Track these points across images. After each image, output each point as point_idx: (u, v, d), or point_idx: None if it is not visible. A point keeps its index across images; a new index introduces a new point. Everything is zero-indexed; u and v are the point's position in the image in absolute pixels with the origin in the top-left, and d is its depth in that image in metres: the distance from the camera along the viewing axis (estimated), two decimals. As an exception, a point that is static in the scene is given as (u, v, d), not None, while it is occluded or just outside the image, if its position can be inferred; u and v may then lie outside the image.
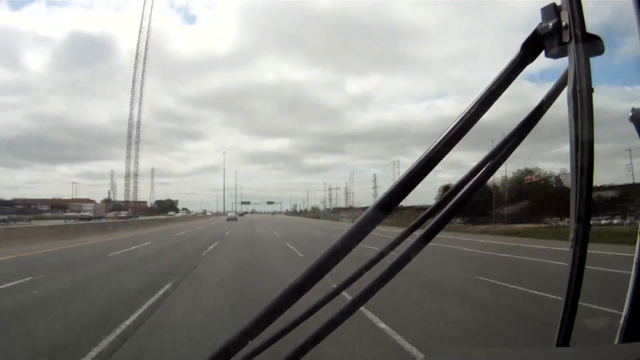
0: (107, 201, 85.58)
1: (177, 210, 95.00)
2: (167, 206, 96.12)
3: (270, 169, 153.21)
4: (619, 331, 0.72)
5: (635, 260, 0.72)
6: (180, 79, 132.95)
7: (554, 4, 0.60)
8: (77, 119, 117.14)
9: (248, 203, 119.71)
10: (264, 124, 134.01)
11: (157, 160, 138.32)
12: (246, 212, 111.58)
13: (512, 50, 0.61)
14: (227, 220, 50.72)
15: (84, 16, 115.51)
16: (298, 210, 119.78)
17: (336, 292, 0.66)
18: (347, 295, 0.70)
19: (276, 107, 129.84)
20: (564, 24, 0.58)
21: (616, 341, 0.73)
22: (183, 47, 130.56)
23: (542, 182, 32.82)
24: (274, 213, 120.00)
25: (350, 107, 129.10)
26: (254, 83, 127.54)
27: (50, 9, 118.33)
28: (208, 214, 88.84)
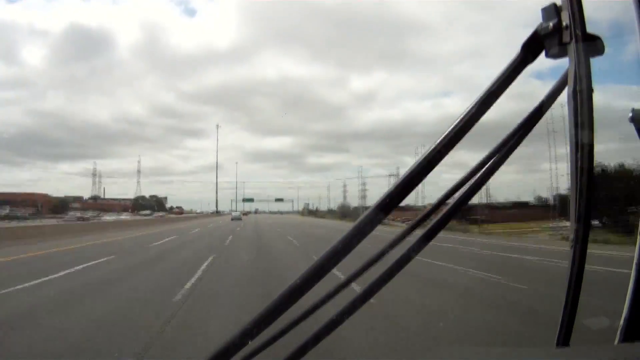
0: (94, 198, 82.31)
1: (163, 210, 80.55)
2: (151, 204, 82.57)
3: (272, 168, 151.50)
4: (619, 331, 0.72)
5: (635, 260, 0.72)
6: (181, 75, 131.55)
7: (554, 4, 0.60)
8: (76, 115, 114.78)
9: (251, 200, 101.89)
10: (265, 121, 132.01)
11: (158, 159, 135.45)
12: (249, 212, 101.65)
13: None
14: (232, 219, 48.65)
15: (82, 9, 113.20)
16: (310, 209, 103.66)
17: (336, 292, 0.66)
18: (347, 295, 0.70)
19: (278, 104, 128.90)
20: (564, 24, 0.58)
21: (616, 341, 0.73)
22: (183, 41, 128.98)
23: None
24: (281, 213, 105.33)
25: (353, 105, 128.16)
26: (255, 80, 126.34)
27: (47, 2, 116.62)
28: (163, 216, 61.39)
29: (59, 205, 63.17)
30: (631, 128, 0.68)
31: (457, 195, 0.67)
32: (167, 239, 17.82)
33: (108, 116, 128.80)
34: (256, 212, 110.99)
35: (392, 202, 0.58)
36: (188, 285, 6.91)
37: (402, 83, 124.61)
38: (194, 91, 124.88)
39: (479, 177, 0.66)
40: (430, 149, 0.59)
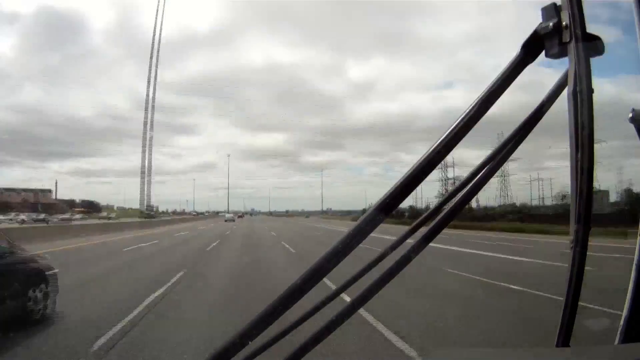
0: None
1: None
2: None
3: (266, 167, 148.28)
4: (619, 332, 0.72)
5: (635, 261, 0.72)
6: (167, 66, 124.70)
7: (554, 4, 0.60)
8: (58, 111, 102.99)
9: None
10: (257, 117, 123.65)
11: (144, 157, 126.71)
12: (245, 213, 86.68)
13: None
14: (225, 221, 48.13)
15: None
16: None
17: (336, 294, 0.66)
18: (346, 297, 0.69)
19: (270, 97, 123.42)
20: (564, 24, 0.58)
21: (616, 342, 0.73)
22: (163, 23, 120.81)
23: None
24: (307, 216, 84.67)
25: (350, 96, 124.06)
26: (244, 70, 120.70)
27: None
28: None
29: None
30: (631, 127, 0.68)
31: (458, 196, 0.67)
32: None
33: (91, 112, 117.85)
34: (252, 213, 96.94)
35: (392, 202, 0.58)
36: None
37: (402, 71, 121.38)
38: (181, 84, 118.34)
39: (479, 178, 0.66)
40: (431, 148, 0.59)
